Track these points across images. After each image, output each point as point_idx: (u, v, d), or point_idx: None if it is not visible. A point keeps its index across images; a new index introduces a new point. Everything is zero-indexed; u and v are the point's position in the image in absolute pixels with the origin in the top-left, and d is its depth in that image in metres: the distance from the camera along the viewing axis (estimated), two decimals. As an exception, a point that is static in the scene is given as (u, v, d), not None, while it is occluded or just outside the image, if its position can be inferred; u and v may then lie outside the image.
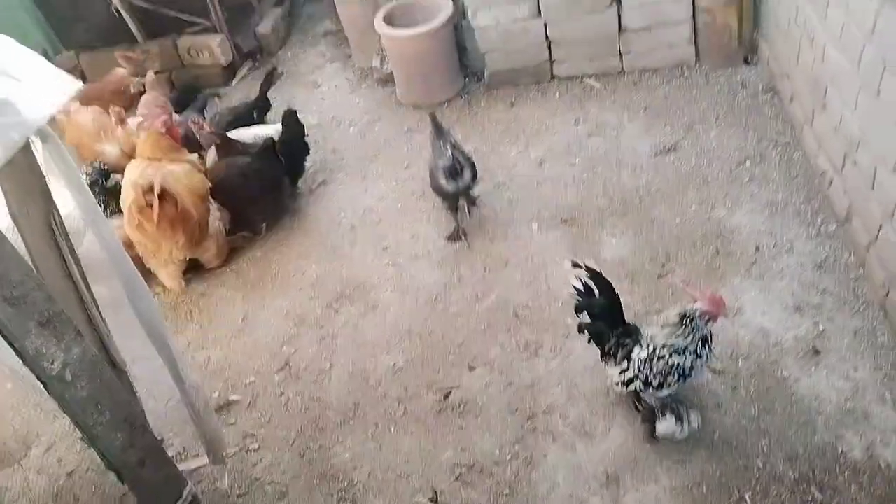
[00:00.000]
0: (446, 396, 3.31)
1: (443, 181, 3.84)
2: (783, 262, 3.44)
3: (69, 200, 2.30)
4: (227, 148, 4.42)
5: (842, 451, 2.72)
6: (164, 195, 3.83)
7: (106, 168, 4.34)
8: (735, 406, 2.94)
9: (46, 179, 2.22)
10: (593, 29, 4.74)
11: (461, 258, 3.96)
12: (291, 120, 4.62)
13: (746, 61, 4.64)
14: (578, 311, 2.83)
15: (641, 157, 4.23)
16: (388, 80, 5.48)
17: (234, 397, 3.53)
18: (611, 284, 2.73)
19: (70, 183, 2.22)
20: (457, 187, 3.86)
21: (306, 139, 4.73)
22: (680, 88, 4.65)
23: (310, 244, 4.36)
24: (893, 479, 2.62)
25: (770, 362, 3.06)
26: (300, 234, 4.45)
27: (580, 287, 2.78)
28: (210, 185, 4.20)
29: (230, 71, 6.04)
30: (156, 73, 5.48)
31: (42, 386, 2.15)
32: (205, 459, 3.10)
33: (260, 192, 4.36)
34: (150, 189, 3.82)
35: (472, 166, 3.89)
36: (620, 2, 4.62)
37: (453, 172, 3.79)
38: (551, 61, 4.99)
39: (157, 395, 3.04)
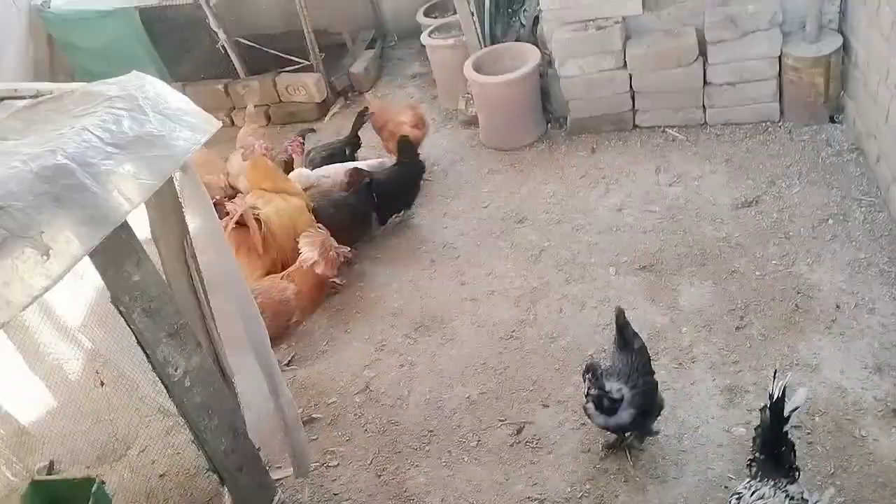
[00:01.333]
0: (519, 431, 3.42)
1: (590, 409, 3.00)
2: (864, 322, 3.43)
3: (197, 223, 2.56)
4: (357, 176, 4.76)
5: (922, 516, 2.70)
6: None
7: None
8: (811, 462, 2.95)
9: (182, 205, 2.48)
10: (678, 81, 4.85)
11: (538, 297, 4.08)
12: (410, 152, 4.94)
13: (832, 120, 4.66)
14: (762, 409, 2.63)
15: (722, 208, 4.29)
16: (472, 122, 5.70)
17: (316, 415, 3.73)
18: (781, 416, 2.52)
19: (202, 209, 2.47)
20: (605, 423, 3.00)
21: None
22: (763, 143, 4.69)
23: (391, 275, 4.56)
24: (976, 549, 2.58)
25: (848, 420, 3.06)
26: (382, 264, 4.67)
27: (776, 395, 2.53)
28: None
29: (323, 108, 6.39)
30: (255, 106, 5.91)
31: (165, 390, 2.38)
32: (288, 471, 3.29)
33: (349, 224, 4.60)
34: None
35: (643, 395, 2.95)
36: (706, 57, 4.74)
37: (602, 405, 2.93)
38: (634, 111, 5.12)
39: (251, 407, 3.24)
